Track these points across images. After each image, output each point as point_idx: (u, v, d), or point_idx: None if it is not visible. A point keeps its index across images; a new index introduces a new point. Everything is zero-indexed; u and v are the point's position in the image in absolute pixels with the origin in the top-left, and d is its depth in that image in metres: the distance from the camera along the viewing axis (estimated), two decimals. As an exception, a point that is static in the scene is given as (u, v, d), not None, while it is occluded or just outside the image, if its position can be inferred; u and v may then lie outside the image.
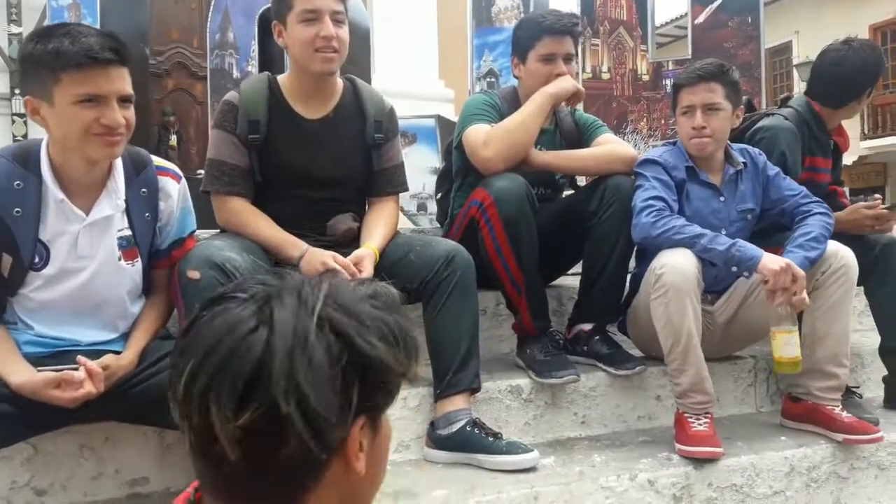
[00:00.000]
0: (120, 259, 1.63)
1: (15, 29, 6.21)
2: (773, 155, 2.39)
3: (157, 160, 1.72)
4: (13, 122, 6.19)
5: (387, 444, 0.78)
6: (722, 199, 2.26)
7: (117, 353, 1.60)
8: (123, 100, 1.52)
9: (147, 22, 5.35)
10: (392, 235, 2.09)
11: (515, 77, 2.48)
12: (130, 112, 1.55)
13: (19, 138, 6.09)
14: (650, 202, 2.11)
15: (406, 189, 2.24)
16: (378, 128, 2.12)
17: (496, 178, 2.13)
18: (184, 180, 1.76)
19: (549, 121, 2.43)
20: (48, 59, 1.46)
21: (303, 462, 0.67)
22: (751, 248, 2.03)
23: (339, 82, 2.12)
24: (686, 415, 2.03)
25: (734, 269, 2.12)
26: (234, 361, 0.65)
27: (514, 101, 2.41)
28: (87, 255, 1.59)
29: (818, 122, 2.59)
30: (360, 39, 4.53)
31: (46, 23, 5.15)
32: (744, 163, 2.29)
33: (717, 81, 2.19)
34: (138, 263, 1.67)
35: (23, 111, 6.30)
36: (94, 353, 1.57)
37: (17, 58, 1.58)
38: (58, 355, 1.57)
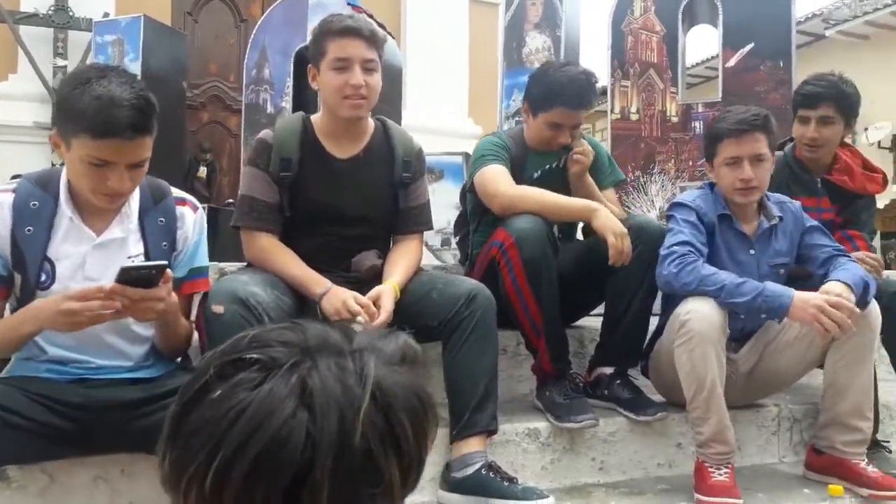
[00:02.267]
0: None
1: (60, 62, 6.42)
2: None
3: (176, 192, 1.75)
4: (53, 150, 6.36)
5: None
6: (752, 252, 2.22)
7: (135, 381, 1.62)
8: (136, 165, 1.53)
9: (186, 57, 5.51)
10: (414, 272, 2.10)
11: (524, 114, 2.51)
12: (141, 172, 1.57)
13: (58, 167, 6.26)
14: (675, 248, 2.09)
15: (431, 227, 2.26)
16: (406, 167, 2.14)
17: (517, 219, 2.14)
18: (201, 211, 1.78)
19: (561, 161, 2.45)
20: (74, 115, 1.47)
21: None
22: (778, 297, 1.97)
23: (371, 123, 2.16)
24: (706, 464, 2.00)
25: (763, 316, 2.08)
26: (272, 460, 0.55)
27: (521, 142, 2.46)
28: (95, 278, 1.58)
29: (797, 162, 2.59)
30: (393, 77, 4.61)
31: (90, 58, 5.32)
32: (780, 216, 2.25)
33: (762, 132, 2.16)
34: None
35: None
36: (108, 382, 1.60)
37: (56, 93, 1.61)
38: (78, 382, 1.60)
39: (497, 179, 2.28)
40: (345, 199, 2.07)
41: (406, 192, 2.17)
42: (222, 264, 2.56)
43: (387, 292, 1.93)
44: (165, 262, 1.54)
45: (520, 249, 2.07)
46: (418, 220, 2.20)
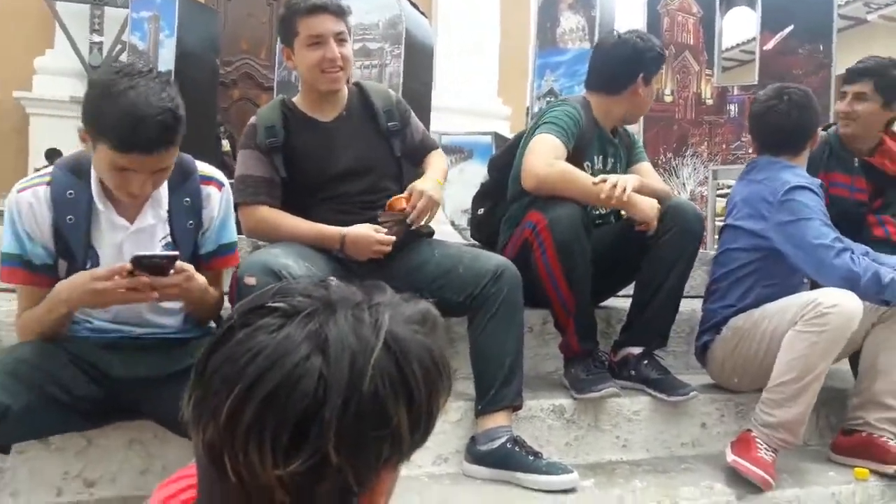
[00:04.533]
0: None
1: (97, 38, 6.51)
2: None
3: (202, 168, 1.74)
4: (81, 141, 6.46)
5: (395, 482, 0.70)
6: None
7: (169, 342, 1.68)
8: (159, 171, 1.54)
9: (219, 34, 5.54)
10: (444, 171, 2.27)
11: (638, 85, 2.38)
12: (165, 175, 1.58)
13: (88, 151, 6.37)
14: (837, 242, 2.08)
15: (437, 146, 2.38)
16: (390, 116, 2.21)
17: (552, 203, 2.13)
18: (227, 188, 1.79)
19: (616, 136, 2.47)
20: (100, 125, 1.47)
21: (336, 500, 0.62)
22: None
23: (345, 88, 2.21)
24: (758, 440, 2.00)
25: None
26: (283, 397, 0.58)
27: (589, 115, 2.37)
28: None
29: (839, 140, 2.61)
30: (424, 56, 4.60)
31: (126, 35, 5.38)
32: None
33: None
34: None
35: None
36: (142, 347, 1.66)
37: (86, 91, 1.59)
38: (117, 342, 1.66)
39: (547, 154, 2.20)
40: (338, 157, 2.12)
41: (402, 137, 2.24)
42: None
43: (426, 188, 2.05)
44: (176, 253, 1.56)
45: (552, 232, 2.07)
46: (425, 146, 2.33)
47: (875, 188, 2.59)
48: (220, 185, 1.76)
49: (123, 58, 5.42)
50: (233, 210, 1.83)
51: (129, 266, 1.48)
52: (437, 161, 2.30)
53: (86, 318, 1.67)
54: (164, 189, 1.66)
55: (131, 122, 1.43)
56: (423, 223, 2.05)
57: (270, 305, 0.63)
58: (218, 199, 1.74)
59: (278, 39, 4.70)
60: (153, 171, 1.52)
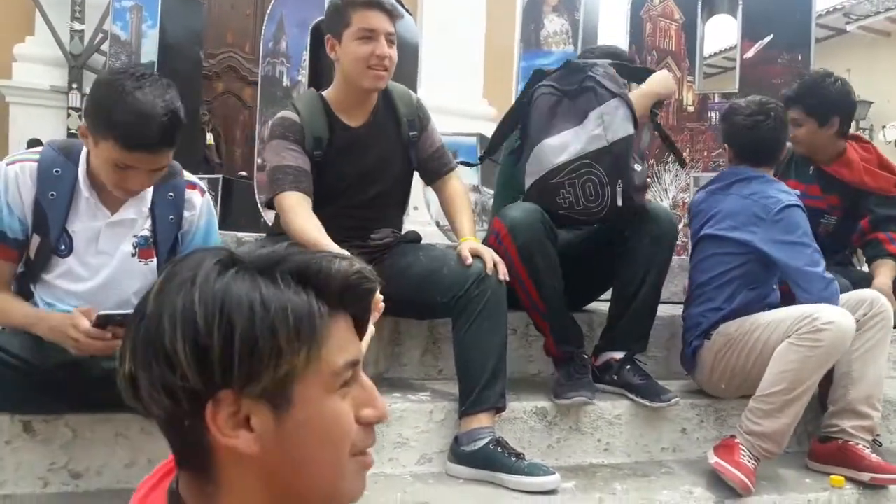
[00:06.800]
0: (134, 256, 1.71)
1: (77, 26, 6.42)
2: None
3: (188, 175, 1.81)
4: (69, 115, 6.39)
5: (323, 431, 0.71)
6: None
7: None
8: (157, 169, 1.60)
9: (203, 26, 5.51)
10: (472, 212, 2.23)
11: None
12: (161, 173, 1.64)
13: (73, 131, 6.29)
14: (827, 273, 2.18)
15: (455, 166, 2.33)
16: (412, 126, 2.22)
17: (510, 209, 2.16)
18: (208, 196, 1.84)
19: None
20: (106, 122, 1.51)
21: (181, 420, 0.69)
22: None
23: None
24: (742, 447, 2.03)
25: None
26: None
27: None
28: (107, 252, 1.69)
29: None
30: (409, 54, 4.60)
31: (108, 24, 5.32)
32: None
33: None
34: (152, 263, 1.74)
35: (79, 105, 6.52)
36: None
37: (90, 89, 1.63)
38: None
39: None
40: (363, 165, 2.14)
41: (418, 147, 2.25)
42: (241, 234, 2.59)
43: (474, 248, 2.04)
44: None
45: (514, 237, 2.09)
46: (442, 162, 2.30)
47: (840, 197, 2.69)
48: (202, 192, 1.82)
49: (105, 47, 5.35)
50: (215, 217, 1.88)
51: (92, 330, 1.53)
52: (460, 200, 2.24)
53: (59, 294, 1.68)
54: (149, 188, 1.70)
55: (139, 121, 1.48)
56: (503, 275, 2.00)
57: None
58: (200, 204, 1.80)
59: (263, 34, 4.71)
60: (152, 169, 1.57)
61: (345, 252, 0.75)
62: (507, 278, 1.99)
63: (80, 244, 1.66)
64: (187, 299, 0.67)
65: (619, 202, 2.12)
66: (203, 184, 1.85)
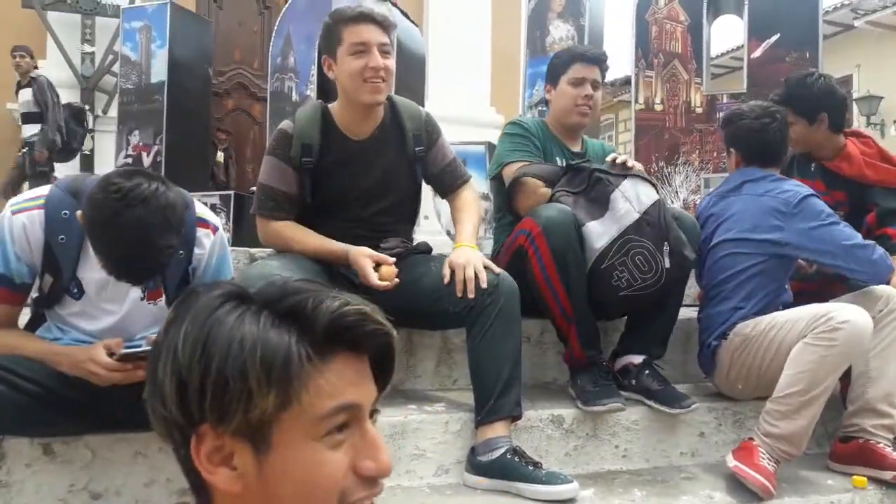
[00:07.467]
0: (143, 299, 1.73)
1: (88, 48, 6.52)
2: None
3: (200, 210, 1.76)
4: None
5: (304, 478, 0.68)
6: None
7: None
8: None
9: (211, 44, 5.56)
10: (478, 220, 2.23)
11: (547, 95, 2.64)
12: None
13: (86, 152, 6.36)
14: (865, 239, 2.21)
15: (469, 178, 2.33)
16: (418, 141, 2.21)
17: (545, 209, 2.16)
18: (220, 231, 1.81)
19: (581, 147, 2.61)
20: (96, 249, 1.52)
21: (178, 450, 0.71)
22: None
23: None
24: (760, 449, 2.01)
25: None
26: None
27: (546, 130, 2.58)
28: (116, 300, 1.71)
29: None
30: (416, 66, 4.63)
31: (119, 44, 5.37)
32: None
33: None
34: (161, 301, 1.75)
35: (91, 126, 6.56)
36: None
37: (88, 201, 1.50)
38: None
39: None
40: (363, 179, 2.14)
41: (426, 162, 2.24)
42: (253, 250, 2.61)
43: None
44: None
45: (547, 238, 2.09)
46: (455, 175, 2.29)
47: (846, 192, 2.67)
48: (214, 229, 1.78)
49: (116, 68, 5.41)
50: (228, 251, 1.87)
51: (112, 363, 1.57)
52: (470, 207, 2.24)
53: (71, 328, 1.70)
54: None
55: (123, 262, 1.50)
56: (471, 293, 1.93)
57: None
58: (210, 244, 1.77)
59: (271, 50, 4.74)
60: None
61: (347, 295, 0.72)
62: (486, 284, 1.94)
63: (90, 290, 1.68)
64: (178, 333, 0.69)
65: (667, 265, 2.12)
66: (214, 218, 1.80)
